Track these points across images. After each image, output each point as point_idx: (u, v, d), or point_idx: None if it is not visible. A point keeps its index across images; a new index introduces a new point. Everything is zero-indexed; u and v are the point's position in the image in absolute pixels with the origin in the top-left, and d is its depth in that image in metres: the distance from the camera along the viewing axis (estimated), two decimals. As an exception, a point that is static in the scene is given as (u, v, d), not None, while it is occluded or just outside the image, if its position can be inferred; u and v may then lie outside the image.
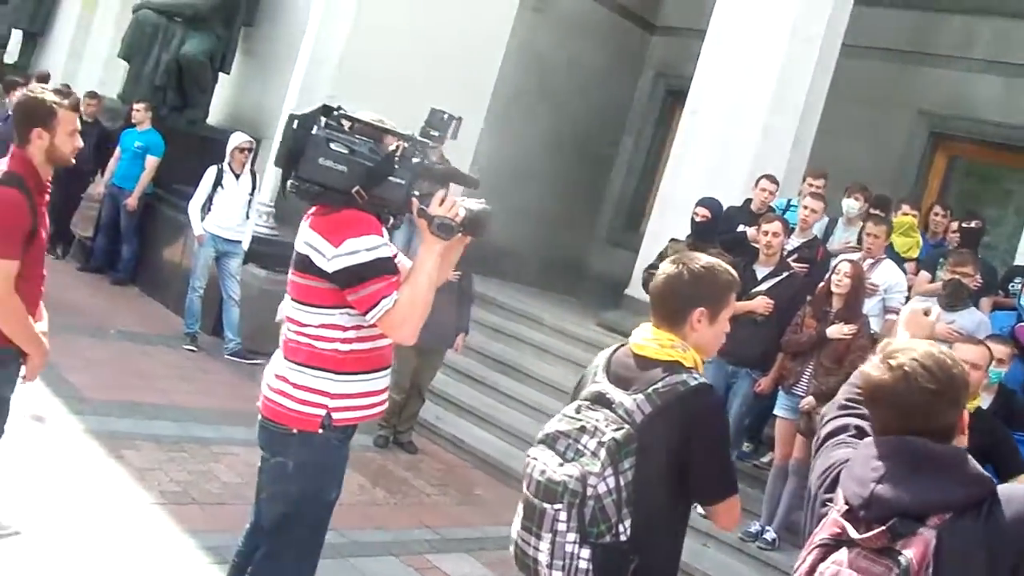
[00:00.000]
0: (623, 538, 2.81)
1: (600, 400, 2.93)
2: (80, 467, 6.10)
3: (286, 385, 3.44)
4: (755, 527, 7.34)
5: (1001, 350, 6.06)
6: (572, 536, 2.80)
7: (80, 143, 4.10)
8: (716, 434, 2.99)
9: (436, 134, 3.47)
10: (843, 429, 2.58)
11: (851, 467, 2.30)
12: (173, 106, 13.26)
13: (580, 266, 15.37)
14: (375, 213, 3.41)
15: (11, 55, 18.76)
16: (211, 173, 9.98)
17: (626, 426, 2.83)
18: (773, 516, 7.31)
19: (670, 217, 11.28)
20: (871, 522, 2.13)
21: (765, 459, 8.01)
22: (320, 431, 3.41)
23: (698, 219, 8.47)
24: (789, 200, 9.70)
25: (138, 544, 5.31)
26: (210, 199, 9.90)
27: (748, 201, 9.58)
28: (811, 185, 9.54)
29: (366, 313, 3.32)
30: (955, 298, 7.22)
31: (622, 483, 2.80)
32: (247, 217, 10.04)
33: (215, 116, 13.86)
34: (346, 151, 3.33)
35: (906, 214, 9.32)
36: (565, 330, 10.90)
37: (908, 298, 7.99)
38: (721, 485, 2.97)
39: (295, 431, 3.42)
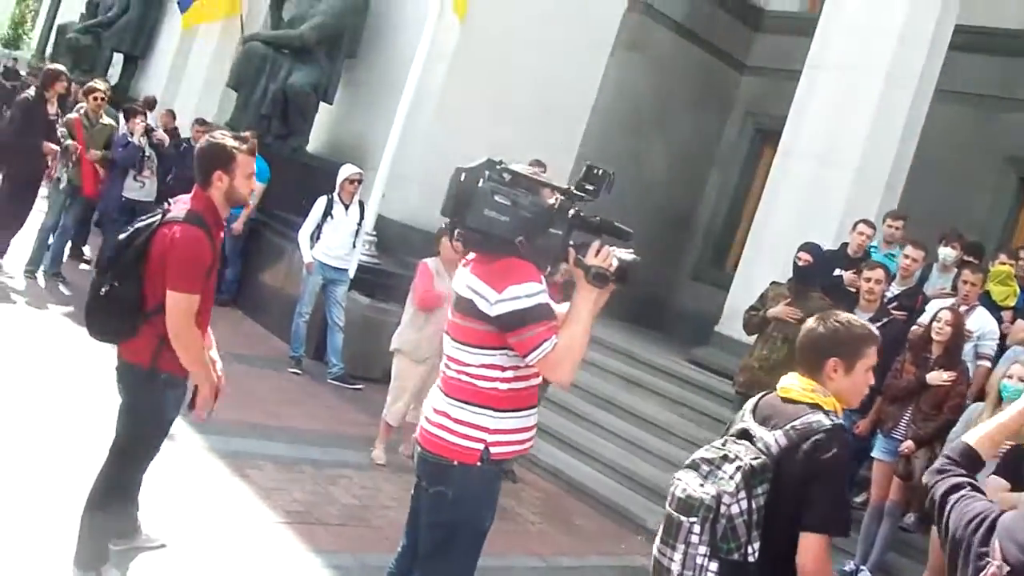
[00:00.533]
0: (751, 559, 3.10)
1: (744, 435, 3.29)
2: (210, 485, 6.43)
3: (447, 420, 3.70)
4: (850, 566, 7.51)
5: None
6: (703, 549, 3.10)
7: (255, 184, 4.42)
8: (838, 471, 3.22)
9: (591, 188, 3.72)
10: (960, 487, 2.84)
11: (1012, 531, 2.50)
12: (277, 134, 13.70)
13: (666, 301, 15.55)
14: (534, 261, 3.67)
15: (112, 78, 19.33)
16: (321, 203, 10.31)
17: (763, 456, 3.16)
18: (867, 556, 7.48)
19: (763, 257, 11.48)
20: None
21: (859, 499, 8.12)
22: (478, 464, 3.67)
23: (801, 263, 8.60)
24: (872, 243, 9.78)
25: (269, 561, 5.63)
26: (319, 228, 10.23)
27: (844, 245, 9.72)
28: (891, 227, 9.74)
29: (527, 355, 3.58)
30: None
31: (754, 506, 3.10)
32: (354, 246, 10.38)
33: (315, 144, 14.26)
34: (509, 203, 3.59)
35: (1003, 263, 9.42)
36: (656, 364, 11.08)
37: (1004, 346, 8.12)
38: (824, 516, 3.17)
39: (455, 463, 3.67)
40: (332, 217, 10.22)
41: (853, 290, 8.60)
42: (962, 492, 2.82)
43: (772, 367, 8.24)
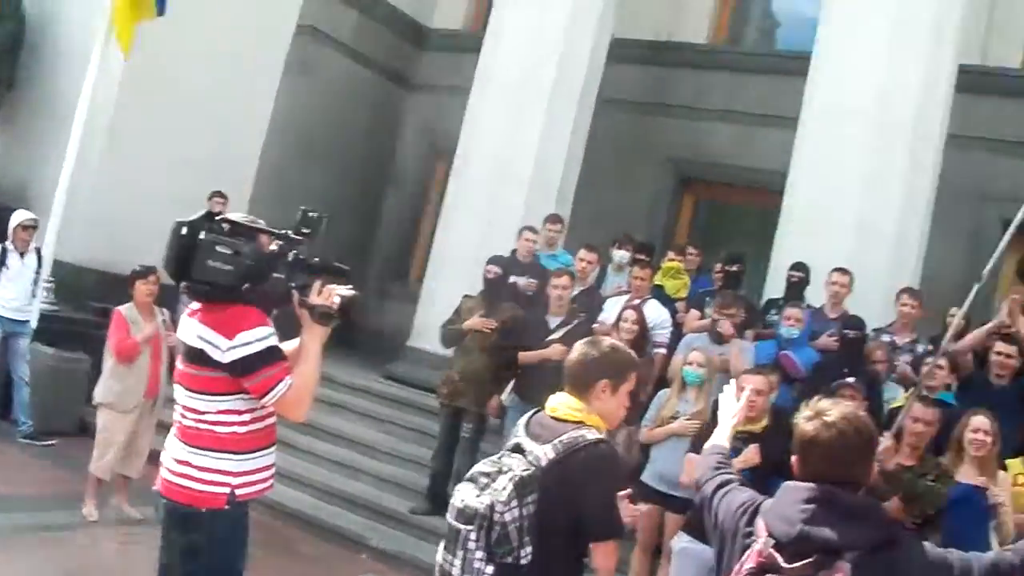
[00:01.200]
0: (523, 561, 3.35)
1: (517, 449, 3.52)
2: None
3: (190, 468, 3.73)
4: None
5: (773, 380, 6.84)
6: (480, 554, 3.33)
7: None
8: (607, 482, 3.51)
9: (307, 231, 3.88)
10: (728, 483, 3.20)
11: (776, 507, 2.82)
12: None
13: (355, 321, 15.61)
14: (260, 306, 3.78)
15: None
16: (-8, 253, 9.79)
17: (533, 468, 3.40)
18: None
19: (446, 271, 11.90)
20: (795, 555, 2.64)
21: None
22: (226, 507, 3.73)
23: (490, 276, 9.02)
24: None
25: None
26: (-7, 280, 9.70)
27: (515, 251, 10.15)
28: (550, 230, 10.36)
29: (263, 397, 3.68)
30: (720, 336, 8.04)
31: (524, 514, 3.33)
32: (34, 295, 9.93)
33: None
34: (231, 252, 3.67)
35: (671, 259, 10.21)
36: (355, 384, 11.23)
37: (681, 334, 8.79)
38: (605, 526, 3.49)
39: (204, 510, 3.72)
40: (7, 267, 9.73)
41: (528, 293, 9.08)
42: (730, 486, 3.17)
43: (472, 377, 8.64)
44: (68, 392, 10.00)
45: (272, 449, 3.91)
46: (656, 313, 8.87)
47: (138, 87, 12.10)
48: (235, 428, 3.75)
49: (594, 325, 8.36)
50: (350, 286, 3.99)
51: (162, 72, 12.15)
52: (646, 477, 7.24)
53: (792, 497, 2.77)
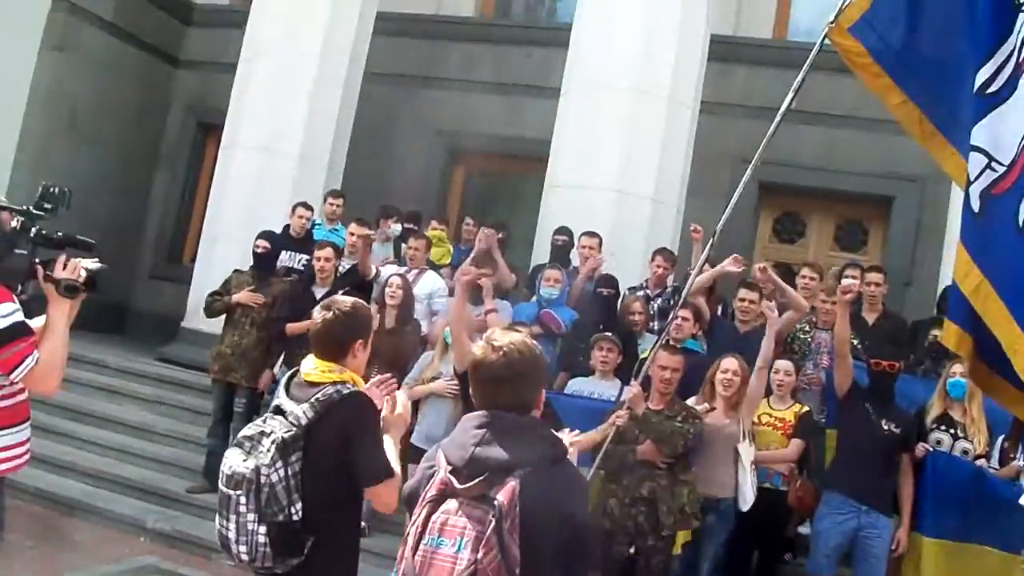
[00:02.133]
0: (295, 518, 3.49)
1: (278, 411, 3.62)
2: None
3: None
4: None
5: (526, 331, 7.07)
6: (252, 516, 3.45)
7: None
8: (367, 428, 3.63)
9: (49, 206, 3.88)
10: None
11: (452, 438, 2.98)
12: None
13: (127, 304, 15.27)
14: (4, 283, 3.75)
15: None
16: None
17: (294, 428, 3.52)
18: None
19: (218, 249, 11.78)
20: (471, 477, 2.81)
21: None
22: (-22, 485, 3.72)
23: (259, 251, 9.02)
24: (314, 220, 10.44)
25: None
26: None
27: (287, 227, 10.24)
28: (331, 205, 10.47)
29: (10, 373, 3.67)
30: (475, 296, 8.17)
31: (290, 473, 3.47)
32: None
33: None
34: (-30, 231, 3.66)
35: (434, 228, 10.40)
36: (128, 368, 11.05)
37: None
38: (374, 470, 3.59)
39: None
40: None
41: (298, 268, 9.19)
42: None
43: (244, 352, 8.65)
44: None
45: (25, 426, 3.91)
46: (433, 282, 9.08)
47: None
48: (-18, 404, 3.72)
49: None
50: (96, 259, 4.00)
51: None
52: (415, 439, 7.38)
53: (465, 426, 2.95)
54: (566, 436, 3.59)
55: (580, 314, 8.36)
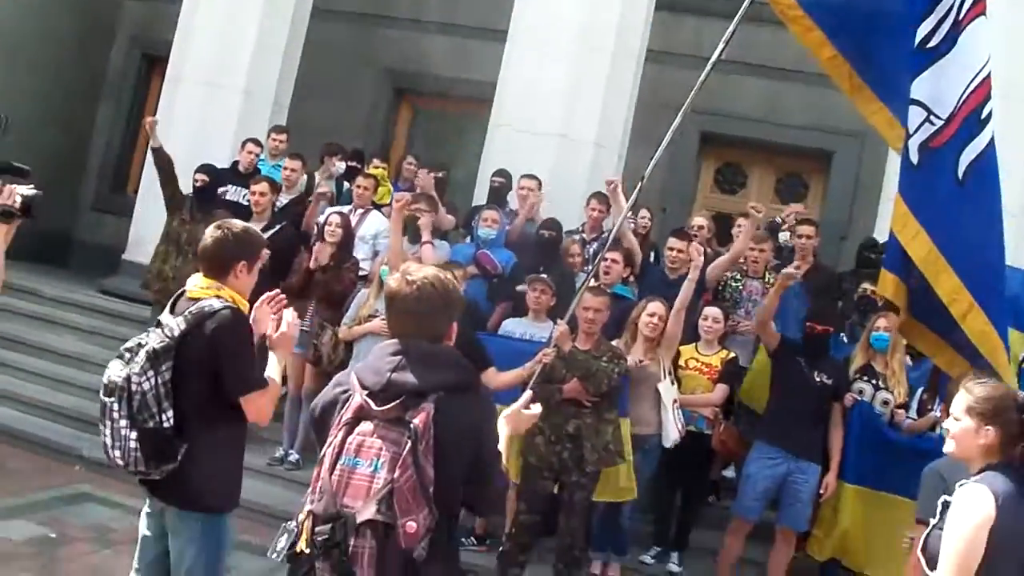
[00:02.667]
0: (166, 425, 3.65)
1: (158, 324, 3.77)
2: None
3: None
4: (279, 452, 8.18)
5: (459, 272, 7.13)
6: (124, 423, 3.63)
7: None
8: (236, 341, 3.78)
9: (-17, 132, 3.91)
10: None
11: (367, 364, 3.10)
12: None
13: (68, 235, 15.18)
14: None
15: None
16: None
17: (167, 339, 3.67)
18: (293, 441, 8.19)
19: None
20: (387, 401, 2.94)
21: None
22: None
23: (199, 185, 9.08)
24: (260, 156, 10.42)
25: None
26: None
27: (236, 163, 10.30)
28: (275, 140, 10.49)
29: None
30: (414, 234, 8.36)
31: (160, 382, 3.63)
32: None
33: None
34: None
35: (376, 167, 10.44)
36: (66, 299, 11.06)
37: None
38: (243, 380, 3.78)
39: None
40: None
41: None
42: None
43: (184, 276, 8.65)
44: None
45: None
46: (379, 222, 9.13)
47: None
48: None
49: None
50: (32, 185, 4.04)
51: None
52: (352, 376, 7.49)
53: (381, 353, 3.09)
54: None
55: (521, 255, 8.44)
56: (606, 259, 7.61)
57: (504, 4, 11.55)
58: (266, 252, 4.07)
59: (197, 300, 3.77)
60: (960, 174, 5.38)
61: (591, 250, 8.65)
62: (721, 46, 5.68)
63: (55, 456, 8.49)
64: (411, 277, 3.09)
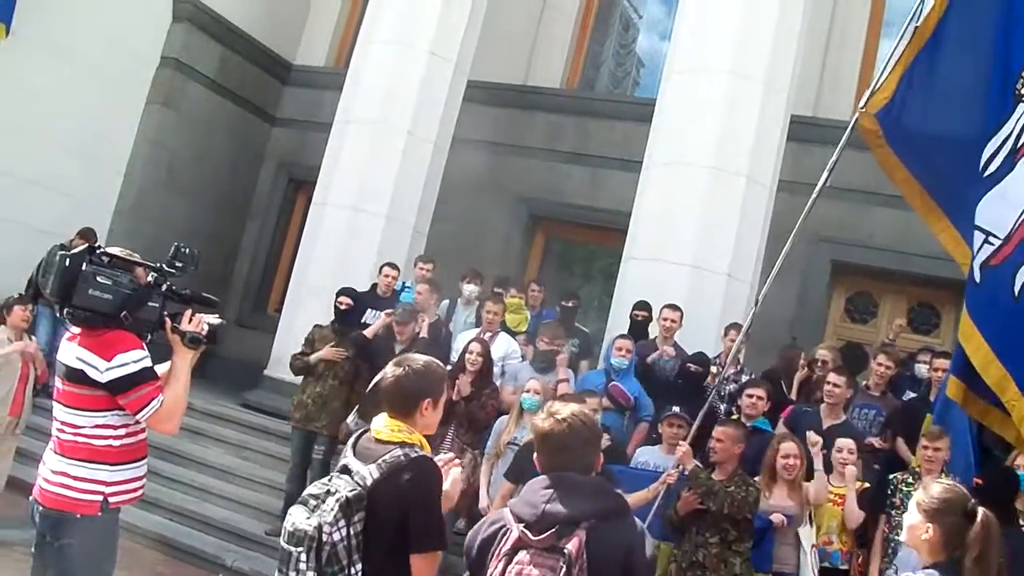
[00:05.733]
0: None
1: (345, 470, 3.69)
2: None
3: (66, 479, 4.09)
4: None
5: (594, 402, 7.36)
6: (311, 575, 3.42)
7: None
8: (430, 496, 3.59)
9: (180, 265, 4.30)
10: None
11: (521, 498, 3.32)
12: None
13: (213, 349, 15.67)
14: (135, 331, 4.17)
15: None
16: None
17: (359, 488, 3.50)
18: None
19: (304, 301, 12.25)
20: (542, 531, 3.15)
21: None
22: (99, 514, 4.11)
23: (342, 307, 9.48)
24: (404, 283, 10.81)
25: None
26: None
27: (374, 286, 10.65)
28: (422, 269, 10.79)
29: (137, 413, 4.08)
30: (545, 363, 8.69)
31: (352, 533, 3.45)
32: None
33: None
34: (110, 283, 4.08)
35: (513, 296, 10.76)
36: (213, 412, 11.48)
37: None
38: (423, 538, 3.55)
39: (78, 515, 4.08)
40: None
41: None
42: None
43: (325, 402, 9.08)
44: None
45: (144, 462, 4.31)
46: (506, 345, 9.43)
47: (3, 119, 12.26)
48: (110, 441, 4.13)
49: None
50: (217, 315, 4.42)
51: (24, 101, 12.30)
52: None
53: (534, 487, 3.30)
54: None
55: (659, 386, 8.66)
56: (751, 395, 7.84)
57: (636, 135, 11.92)
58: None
59: (385, 443, 3.65)
60: (1016, 290, 5.59)
61: (727, 390, 8.82)
62: (826, 174, 6.04)
63: (202, 564, 8.86)
64: (560, 416, 3.33)
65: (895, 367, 8.97)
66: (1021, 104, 5.75)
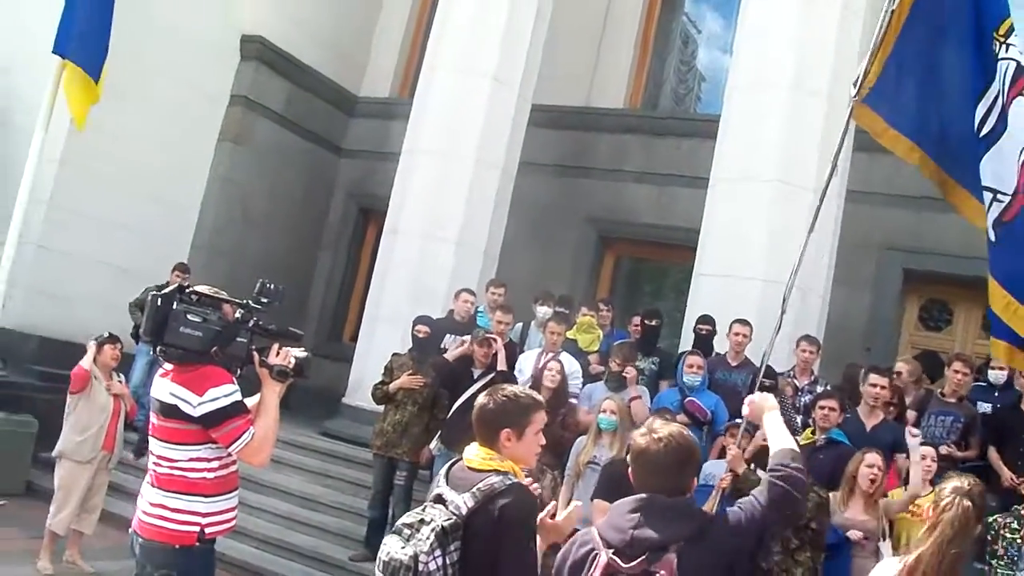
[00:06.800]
0: None
1: (438, 499, 3.63)
2: None
3: (164, 511, 4.26)
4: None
5: (673, 419, 7.44)
6: None
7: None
8: (521, 526, 3.56)
9: (265, 301, 4.46)
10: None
11: (608, 521, 3.37)
12: None
13: (296, 381, 15.95)
14: (225, 366, 4.33)
15: None
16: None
17: (454, 517, 3.48)
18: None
19: (379, 329, 12.42)
20: (633, 557, 3.19)
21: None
22: (197, 544, 4.27)
23: (421, 336, 9.62)
24: (479, 307, 10.96)
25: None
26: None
27: (451, 312, 10.79)
28: (493, 294, 10.92)
29: (230, 445, 4.24)
30: (618, 383, 8.73)
31: (448, 562, 3.42)
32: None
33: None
34: (200, 320, 4.26)
35: (585, 315, 10.80)
36: (294, 441, 11.65)
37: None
38: (517, 570, 3.54)
39: (177, 546, 4.24)
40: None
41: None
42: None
43: (405, 428, 9.21)
44: (15, 454, 10.37)
45: (236, 492, 4.47)
46: (568, 365, 9.40)
47: (78, 159, 12.63)
48: (204, 474, 4.29)
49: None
50: (303, 348, 4.56)
51: (101, 145, 12.65)
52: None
53: (621, 510, 3.35)
54: None
55: (732, 401, 8.62)
56: (823, 407, 7.83)
57: (700, 151, 11.97)
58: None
59: (477, 471, 3.65)
60: None
61: (802, 401, 8.82)
62: (829, 172, 6.22)
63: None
64: (658, 435, 3.36)
65: (971, 373, 8.91)
66: (999, 62, 5.99)
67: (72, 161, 12.67)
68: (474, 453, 3.74)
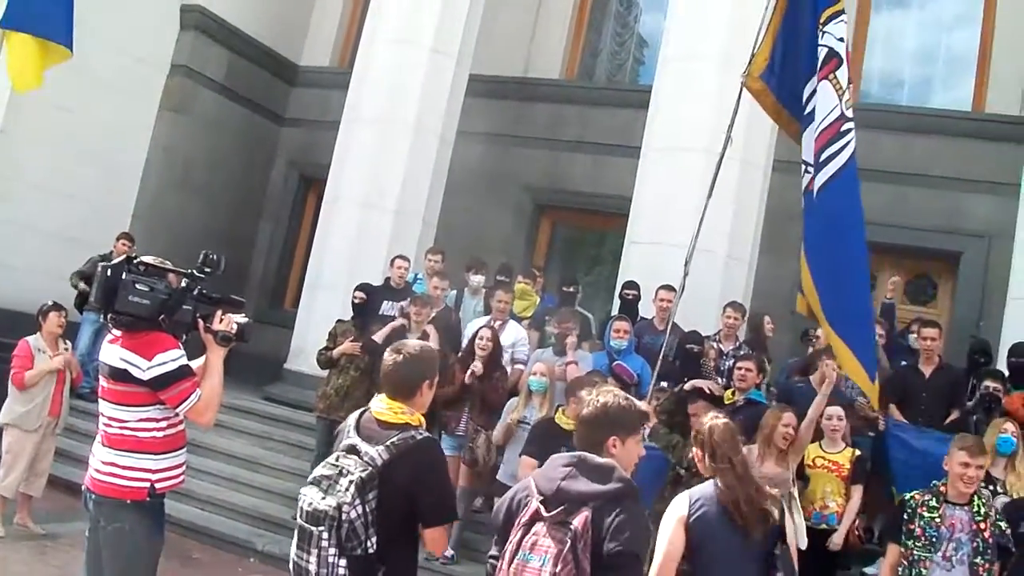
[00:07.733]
0: (371, 551, 3.80)
1: (352, 451, 3.92)
2: None
3: (115, 468, 4.53)
4: (429, 551, 8.77)
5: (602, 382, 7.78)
6: (333, 551, 3.76)
7: None
8: (438, 473, 3.99)
9: (208, 270, 4.73)
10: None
11: (544, 471, 3.74)
12: None
13: (236, 346, 16.11)
14: (171, 332, 4.60)
15: None
16: None
17: (370, 468, 3.80)
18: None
19: (320, 296, 12.67)
20: (556, 506, 3.55)
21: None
22: (147, 499, 4.55)
23: (357, 302, 9.94)
24: (416, 274, 11.32)
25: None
26: None
27: (388, 279, 11.09)
28: (431, 260, 11.21)
29: (178, 406, 4.52)
30: (564, 349, 9.09)
31: (367, 510, 3.77)
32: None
33: None
34: (148, 289, 4.51)
35: (520, 282, 11.11)
36: (236, 406, 11.84)
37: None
38: (435, 511, 3.96)
39: (128, 501, 4.52)
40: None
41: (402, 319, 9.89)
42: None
43: (347, 392, 9.50)
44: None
45: (184, 450, 4.75)
46: (516, 332, 9.84)
47: (19, 129, 12.73)
48: (154, 433, 4.57)
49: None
50: (244, 315, 4.86)
51: (42, 114, 12.74)
52: (501, 476, 8.25)
53: (556, 463, 3.73)
54: None
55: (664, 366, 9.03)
56: (741, 368, 8.27)
57: (635, 122, 12.27)
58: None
59: (388, 424, 3.94)
60: (815, 189, 6.76)
61: (727, 365, 9.22)
62: (725, 137, 7.52)
63: (233, 549, 9.34)
64: (599, 399, 3.76)
65: (884, 336, 9.31)
66: (819, 48, 6.82)
67: (13, 131, 12.75)
68: (384, 407, 4.02)
